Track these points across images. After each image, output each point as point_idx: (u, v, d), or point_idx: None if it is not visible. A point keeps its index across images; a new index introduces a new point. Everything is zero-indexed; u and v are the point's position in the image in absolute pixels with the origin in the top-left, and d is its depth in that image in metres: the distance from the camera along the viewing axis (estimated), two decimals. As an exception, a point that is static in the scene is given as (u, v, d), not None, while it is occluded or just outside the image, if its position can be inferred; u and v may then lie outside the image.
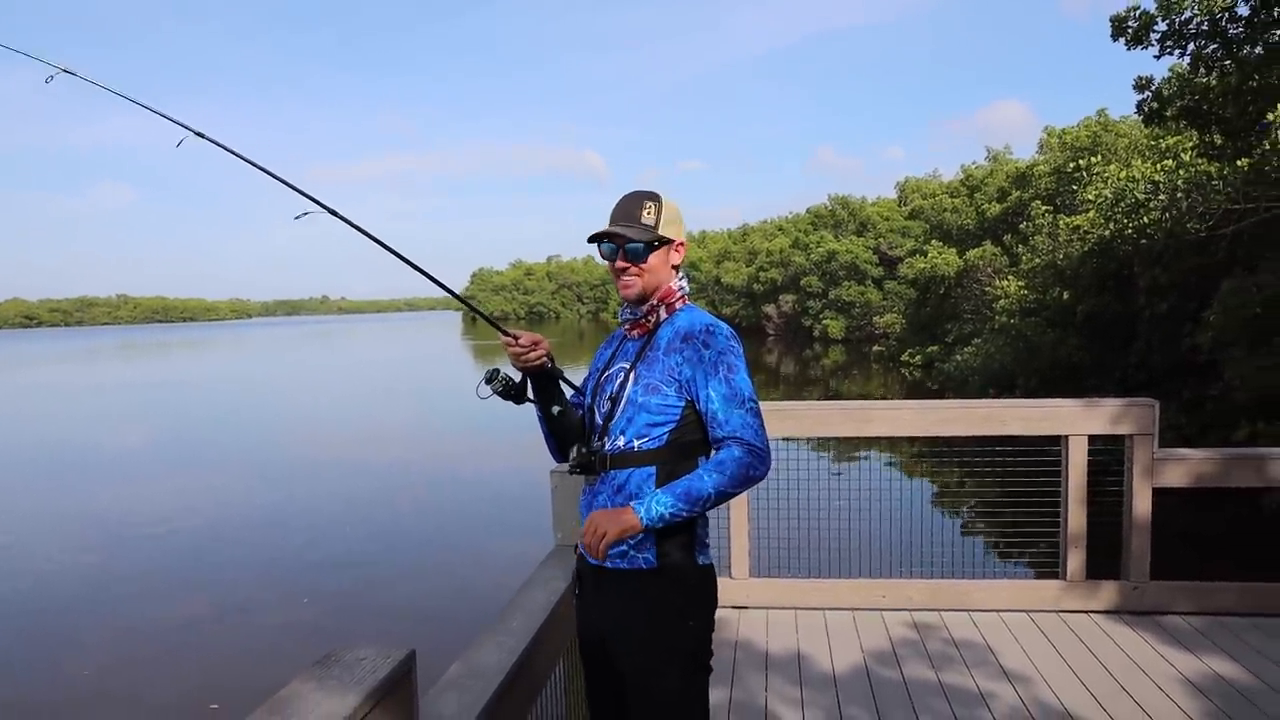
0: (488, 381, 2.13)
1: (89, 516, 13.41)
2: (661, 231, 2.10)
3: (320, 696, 1.28)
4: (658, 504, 1.92)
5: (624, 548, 2.02)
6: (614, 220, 2.12)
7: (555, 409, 2.16)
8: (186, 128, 2.21)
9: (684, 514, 1.93)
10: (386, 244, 2.25)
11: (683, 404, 2.03)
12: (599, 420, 2.12)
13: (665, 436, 2.03)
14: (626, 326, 2.19)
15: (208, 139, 2.23)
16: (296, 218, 2.20)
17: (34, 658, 7.82)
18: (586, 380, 2.27)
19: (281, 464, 17.78)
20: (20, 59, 2.43)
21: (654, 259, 2.11)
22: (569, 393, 2.24)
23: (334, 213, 2.20)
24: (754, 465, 1.96)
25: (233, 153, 2.24)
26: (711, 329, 2.06)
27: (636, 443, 2.04)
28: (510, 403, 2.16)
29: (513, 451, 16.33)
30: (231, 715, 6.44)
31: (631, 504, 1.95)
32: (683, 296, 2.17)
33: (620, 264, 2.11)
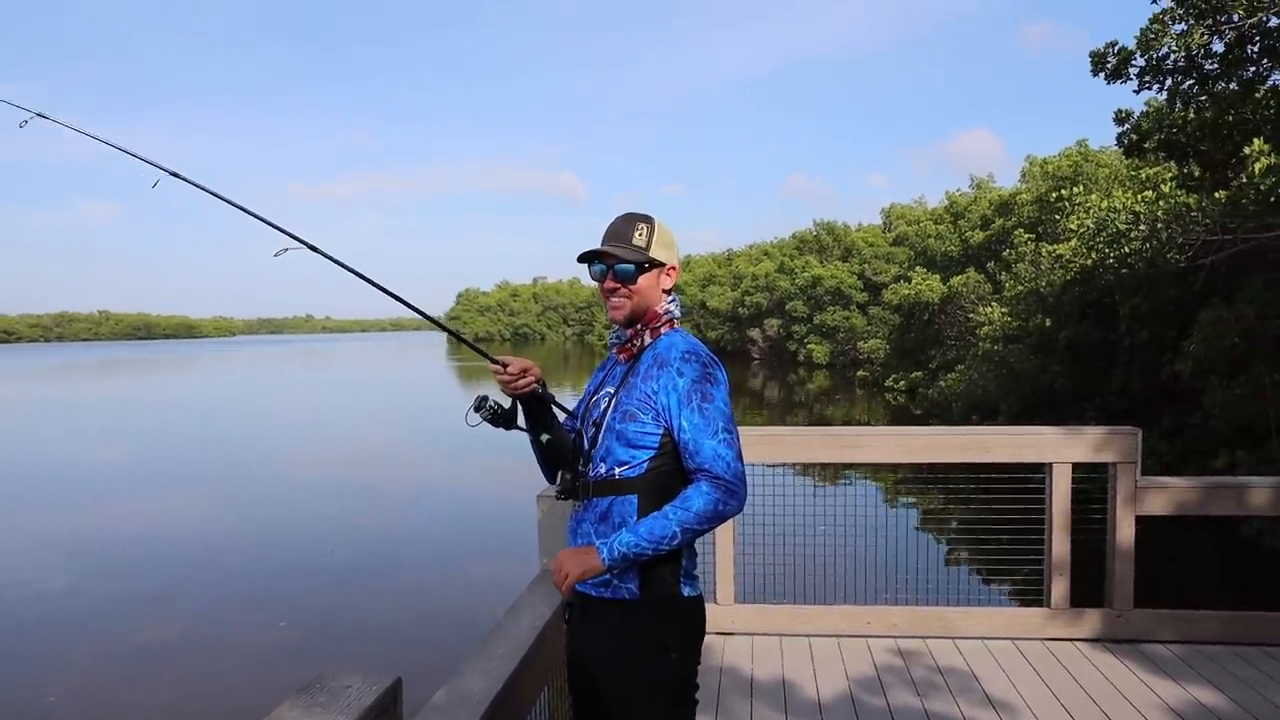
0: (476, 409, 2.08)
1: (58, 536, 13.18)
2: (653, 254, 2.09)
3: (305, 724, 1.27)
4: (620, 544, 1.91)
5: (607, 576, 2.00)
6: (605, 240, 2.10)
7: (544, 436, 2.12)
8: (161, 168, 2.16)
9: (648, 552, 1.91)
10: (367, 276, 2.19)
11: (661, 432, 2.00)
12: (585, 445, 2.11)
13: (645, 465, 2.00)
14: (615, 350, 2.18)
15: (183, 179, 2.17)
16: (275, 255, 2.13)
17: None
18: (579, 403, 2.25)
19: (260, 485, 17.59)
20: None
21: (644, 281, 2.09)
22: (561, 418, 2.20)
23: (314, 248, 2.14)
24: (723, 501, 1.92)
25: (209, 192, 2.17)
26: (688, 355, 2.03)
27: (617, 470, 2.02)
28: (500, 429, 2.12)
29: (498, 474, 16.27)
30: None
31: (596, 543, 1.95)
32: (669, 321, 2.14)
33: (610, 285, 2.09)
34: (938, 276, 34.70)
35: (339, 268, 2.14)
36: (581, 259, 2.12)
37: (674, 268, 2.15)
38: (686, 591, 2.05)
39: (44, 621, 9.19)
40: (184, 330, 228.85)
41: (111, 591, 10.26)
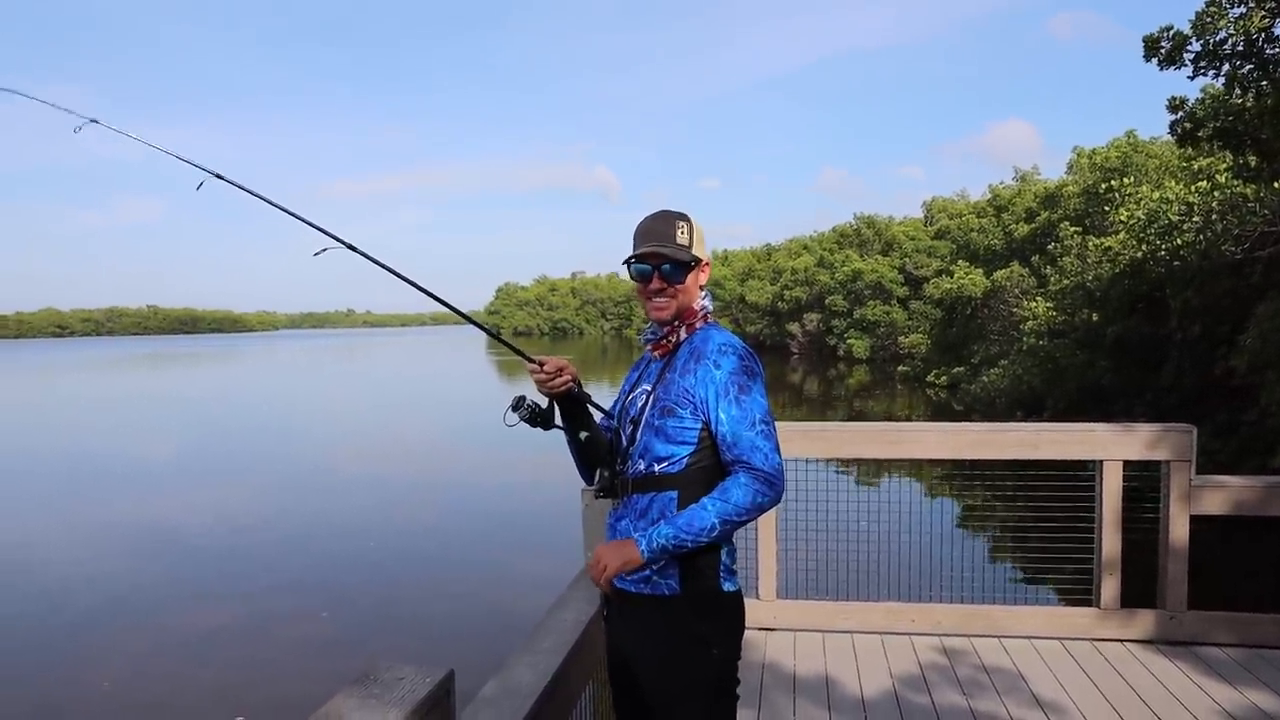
0: (514, 409, 2.09)
1: (111, 526, 13.55)
2: (694, 251, 2.08)
3: (361, 715, 1.29)
4: (658, 536, 1.90)
5: (647, 572, 1.99)
6: (645, 240, 2.07)
7: (582, 434, 2.12)
8: (206, 170, 2.20)
9: (687, 544, 1.90)
10: (403, 274, 2.21)
11: (699, 426, 1.99)
12: (624, 443, 2.10)
13: (685, 460, 1.99)
14: (649, 347, 2.17)
15: (226, 180, 2.22)
16: (315, 255, 2.17)
17: (52, 668, 7.80)
18: (615, 402, 2.25)
19: (302, 478, 17.91)
20: (40, 104, 2.46)
21: (689, 279, 2.08)
22: (597, 416, 2.20)
23: (352, 248, 2.17)
24: (761, 492, 1.91)
25: (251, 193, 2.22)
26: (724, 348, 2.02)
27: (656, 467, 2.01)
28: (538, 429, 2.12)
29: (539, 469, 16.35)
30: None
31: (635, 536, 1.94)
32: (704, 315, 2.13)
33: (656, 285, 2.06)
34: (980, 270, 34.11)
35: (381, 253, 2.17)
36: (631, 259, 2.09)
37: (708, 263, 2.15)
38: (727, 586, 2.04)
39: (96, 611, 9.42)
40: (229, 324, 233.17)
41: (159, 582, 10.49)
